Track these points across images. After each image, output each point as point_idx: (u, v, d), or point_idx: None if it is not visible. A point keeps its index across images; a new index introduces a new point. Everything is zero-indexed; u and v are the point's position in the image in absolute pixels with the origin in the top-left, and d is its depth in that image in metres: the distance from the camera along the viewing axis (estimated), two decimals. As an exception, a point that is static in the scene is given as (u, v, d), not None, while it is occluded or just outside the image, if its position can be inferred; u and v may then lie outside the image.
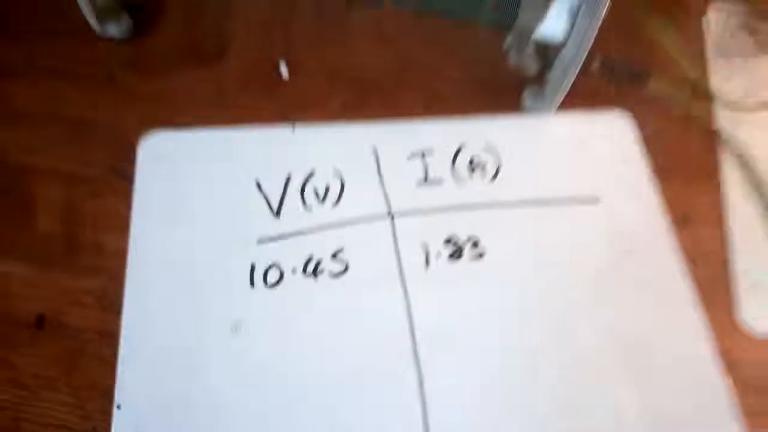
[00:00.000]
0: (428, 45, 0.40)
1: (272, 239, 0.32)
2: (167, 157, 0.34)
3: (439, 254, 0.33)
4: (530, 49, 0.35)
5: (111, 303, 0.30)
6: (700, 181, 0.37)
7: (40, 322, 0.30)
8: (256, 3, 0.41)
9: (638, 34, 0.39)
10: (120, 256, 0.31)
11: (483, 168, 0.36)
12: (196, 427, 0.28)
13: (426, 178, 0.35)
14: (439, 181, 0.35)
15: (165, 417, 0.28)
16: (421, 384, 0.29)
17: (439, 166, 0.35)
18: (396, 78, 0.39)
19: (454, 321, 0.31)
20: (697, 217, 0.35)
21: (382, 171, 0.35)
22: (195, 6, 0.40)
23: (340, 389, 0.29)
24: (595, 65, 0.37)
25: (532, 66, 0.36)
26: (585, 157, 0.37)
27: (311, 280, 0.31)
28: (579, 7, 0.30)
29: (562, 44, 0.32)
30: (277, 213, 0.33)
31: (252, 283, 0.31)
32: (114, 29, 0.37)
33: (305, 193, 0.34)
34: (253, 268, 0.31)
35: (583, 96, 0.36)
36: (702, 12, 0.43)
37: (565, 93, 0.35)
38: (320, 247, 0.32)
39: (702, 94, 0.40)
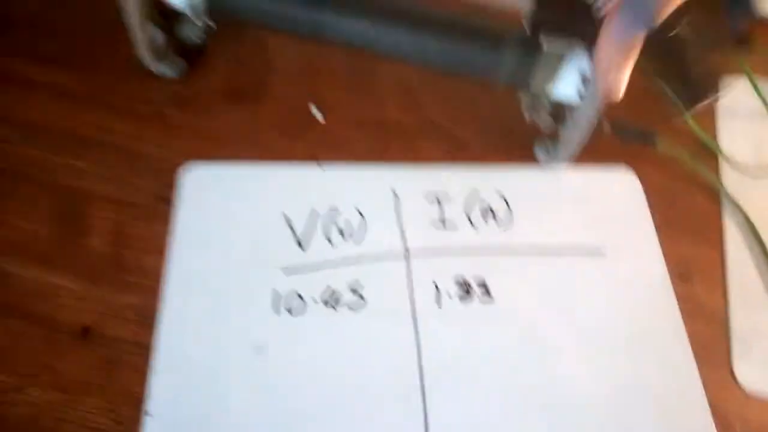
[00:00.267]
0: (449, 98, 0.41)
1: (297, 270, 0.34)
2: (206, 187, 0.36)
3: (449, 295, 0.34)
4: (545, 108, 0.36)
5: (147, 318, 0.31)
6: (703, 240, 0.38)
7: (85, 332, 0.31)
8: (293, 55, 0.43)
9: (648, 95, 0.41)
10: (157, 275, 0.33)
11: (495, 215, 0.37)
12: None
13: (442, 221, 0.36)
14: (453, 225, 0.36)
15: (190, 427, 0.29)
16: (425, 415, 0.30)
17: (455, 210, 0.37)
18: (418, 127, 0.40)
19: (459, 359, 0.32)
20: (698, 275, 0.36)
21: (401, 212, 0.36)
22: (238, 53, 0.42)
23: (351, 414, 0.30)
24: (606, 125, 0.38)
25: (546, 122, 0.37)
26: (592, 211, 0.38)
27: (331, 310, 0.33)
28: (591, 71, 0.31)
29: (576, 104, 0.34)
30: (303, 246, 0.35)
31: (276, 309, 0.33)
32: (168, 70, 0.40)
33: (329, 228, 0.35)
34: (278, 296, 0.33)
35: (593, 152, 0.37)
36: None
37: (577, 149, 0.37)
38: (340, 280, 0.33)
39: (709, 154, 0.41)
